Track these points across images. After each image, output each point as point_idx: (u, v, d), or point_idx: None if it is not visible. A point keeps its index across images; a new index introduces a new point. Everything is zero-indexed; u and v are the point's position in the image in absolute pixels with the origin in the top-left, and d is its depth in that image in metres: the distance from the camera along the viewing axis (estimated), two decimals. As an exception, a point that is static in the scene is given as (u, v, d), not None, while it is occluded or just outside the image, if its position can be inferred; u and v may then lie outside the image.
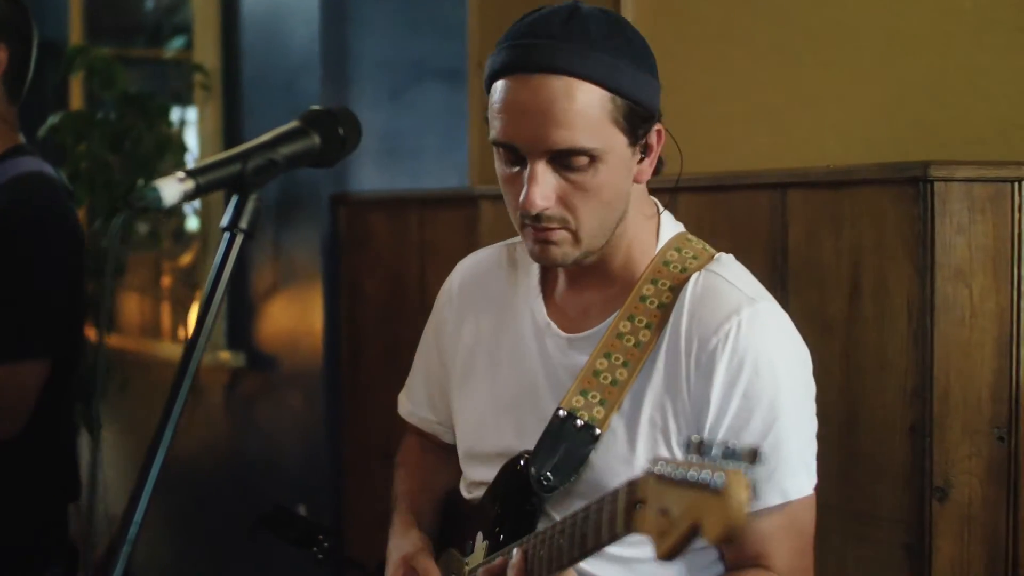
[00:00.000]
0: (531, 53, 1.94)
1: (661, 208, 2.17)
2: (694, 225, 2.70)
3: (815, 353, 2.13)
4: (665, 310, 2.05)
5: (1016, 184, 2.33)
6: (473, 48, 3.82)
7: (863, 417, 2.48)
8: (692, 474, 1.48)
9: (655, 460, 1.56)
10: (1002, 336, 2.34)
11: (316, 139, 1.74)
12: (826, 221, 2.53)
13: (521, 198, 1.97)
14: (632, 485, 1.63)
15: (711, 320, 2.01)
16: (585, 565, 1.97)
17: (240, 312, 4.69)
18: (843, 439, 2.50)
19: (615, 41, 1.99)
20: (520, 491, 2.09)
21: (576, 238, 2.02)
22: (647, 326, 2.05)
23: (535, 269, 2.23)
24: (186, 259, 5.45)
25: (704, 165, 2.91)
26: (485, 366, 2.24)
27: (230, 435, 4.87)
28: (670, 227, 2.16)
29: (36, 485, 3.23)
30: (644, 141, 2.03)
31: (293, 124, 1.74)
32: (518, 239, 2.25)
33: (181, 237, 5.66)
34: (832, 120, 2.81)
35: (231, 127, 4.74)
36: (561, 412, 2.05)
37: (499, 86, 1.99)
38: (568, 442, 2.04)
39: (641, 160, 2.04)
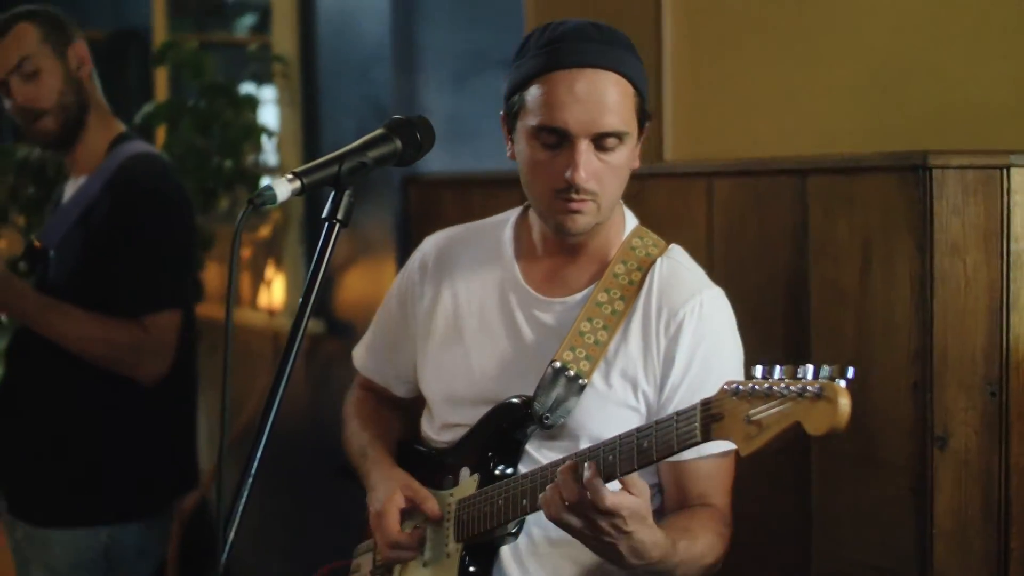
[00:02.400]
0: (578, 53, 2.29)
1: (621, 201, 2.49)
2: (726, 205, 2.98)
3: (831, 319, 2.42)
4: (636, 286, 2.41)
5: (1005, 170, 2.50)
6: None
7: (873, 375, 2.65)
8: (785, 388, 1.86)
9: (731, 382, 1.94)
10: (993, 304, 2.52)
11: (398, 143, 2.07)
12: (840, 203, 2.72)
13: (568, 173, 2.29)
14: (707, 405, 1.98)
15: (678, 297, 2.39)
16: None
17: (321, 283, 4.95)
18: (855, 395, 2.64)
19: (631, 45, 2.36)
20: (513, 428, 2.39)
21: (599, 209, 2.36)
22: (620, 298, 2.40)
23: (509, 241, 2.56)
24: (265, 231, 5.74)
25: (734, 151, 3.17)
26: (470, 325, 2.53)
27: (310, 395, 5.10)
28: (631, 219, 2.53)
29: (174, 423, 3.60)
30: (644, 132, 2.39)
31: (379, 131, 2.06)
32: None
33: (260, 211, 5.98)
34: (846, 110, 3.01)
35: (308, 111, 4.94)
36: (556, 364, 2.36)
37: (550, 79, 2.30)
38: (559, 389, 2.36)
39: (636, 147, 2.39)
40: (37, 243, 3.51)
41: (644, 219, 2.57)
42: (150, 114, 4.78)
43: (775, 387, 1.88)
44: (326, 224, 1.99)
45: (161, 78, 6.23)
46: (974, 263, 2.55)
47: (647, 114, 2.39)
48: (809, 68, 3.05)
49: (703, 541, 2.30)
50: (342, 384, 5.10)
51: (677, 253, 2.50)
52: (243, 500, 1.91)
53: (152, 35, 6.35)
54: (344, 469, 3.16)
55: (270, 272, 5.13)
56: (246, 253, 5.81)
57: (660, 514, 2.40)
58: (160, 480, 3.60)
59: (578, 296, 2.44)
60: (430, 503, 2.47)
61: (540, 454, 2.39)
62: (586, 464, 2.10)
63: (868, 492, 2.70)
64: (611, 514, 2.07)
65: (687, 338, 2.37)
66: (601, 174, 2.33)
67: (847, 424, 1.83)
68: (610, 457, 2.12)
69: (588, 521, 2.10)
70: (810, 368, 1.87)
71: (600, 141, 2.31)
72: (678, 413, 2.06)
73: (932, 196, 2.53)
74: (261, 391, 5.25)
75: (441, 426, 2.56)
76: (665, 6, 3.35)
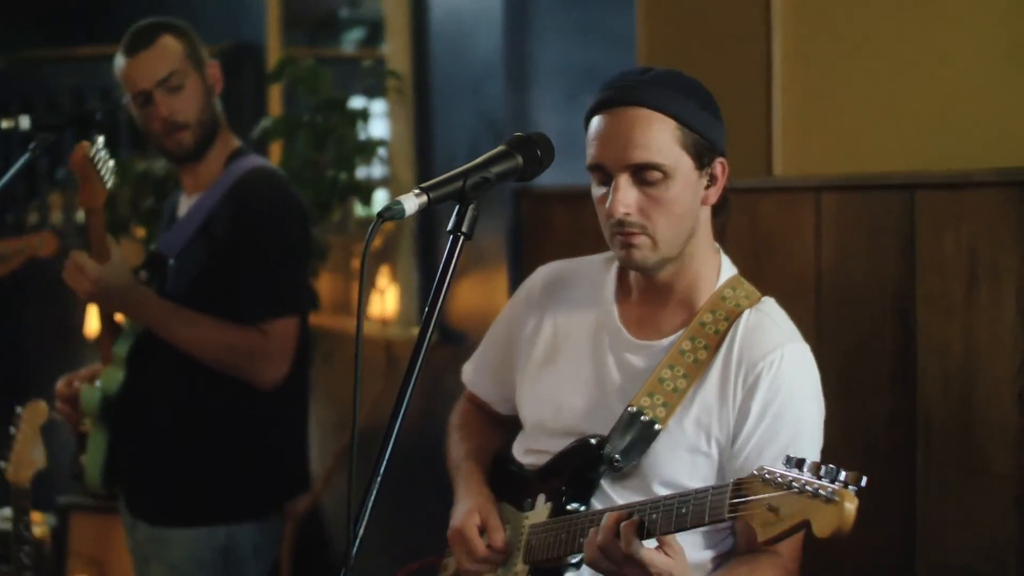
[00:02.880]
0: (616, 92, 2.42)
1: (721, 250, 2.58)
2: (834, 219, 3.03)
3: (938, 332, 2.45)
4: (720, 336, 2.46)
5: (1112, 186, 2.54)
6: (641, 55, 4.00)
7: (979, 386, 2.71)
8: (803, 485, 1.95)
9: (761, 468, 2.03)
10: (1098, 316, 2.55)
11: (519, 159, 2.16)
12: (948, 218, 2.77)
13: (608, 206, 2.41)
14: (739, 485, 2.07)
15: (759, 350, 2.43)
16: None
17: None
18: (961, 406, 2.74)
19: (685, 87, 2.44)
20: (587, 467, 2.49)
21: (654, 243, 2.44)
22: (704, 347, 2.46)
23: (612, 281, 2.64)
24: (376, 242, 5.86)
25: (843, 167, 3.20)
26: (565, 357, 2.64)
27: (422, 402, 5.22)
28: (728, 269, 2.57)
29: (289, 427, 3.70)
30: (709, 170, 2.45)
31: (501, 148, 2.15)
32: (597, 256, 2.73)
33: (367, 223, 6.08)
34: (954, 126, 3.02)
35: (421, 124, 5.03)
36: (632, 408, 2.45)
37: (593, 122, 2.46)
38: (634, 433, 2.44)
39: (708, 186, 2.46)
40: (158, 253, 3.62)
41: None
42: (267, 128, 4.90)
43: (794, 483, 1.97)
44: (451, 237, 2.06)
45: (275, 92, 6.36)
46: (1081, 277, 2.58)
47: (710, 149, 2.44)
48: (917, 84, 3.08)
49: None
50: (453, 391, 5.18)
51: (768, 306, 2.54)
52: (371, 499, 2.00)
53: (266, 50, 6.46)
54: None
55: (383, 282, 5.23)
56: (355, 263, 5.91)
57: (729, 555, 2.49)
58: (275, 482, 3.68)
59: (665, 342, 2.52)
60: (497, 533, 2.59)
61: (614, 491, 2.49)
62: (624, 518, 2.24)
63: (972, 501, 2.74)
64: (641, 568, 2.20)
65: (762, 392, 2.41)
66: (646, 208, 2.41)
67: (851, 529, 1.90)
68: (654, 515, 2.23)
69: (619, 570, 2.24)
70: (832, 469, 1.95)
71: (640, 175, 2.40)
72: (714, 488, 2.15)
73: (1039, 211, 2.58)
74: (373, 399, 5.35)
75: (526, 450, 2.67)
76: (775, 24, 3.38)
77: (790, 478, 1.99)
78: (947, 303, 2.78)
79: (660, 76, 2.44)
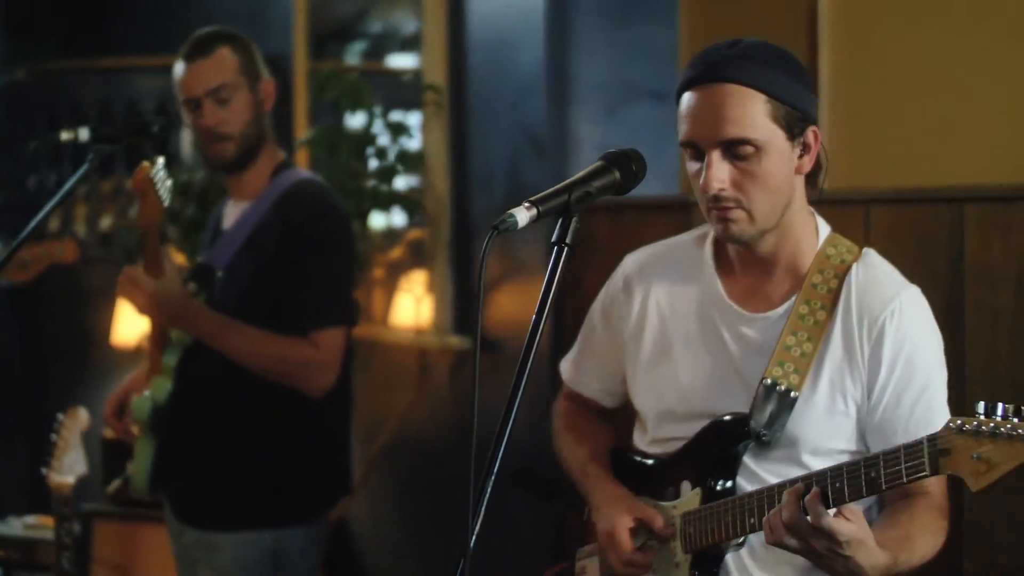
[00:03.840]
0: (705, 69, 2.45)
1: (815, 212, 2.59)
2: (884, 231, 3.14)
3: (987, 339, 2.57)
4: (834, 294, 2.48)
5: None
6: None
7: None
8: (1006, 429, 2.02)
9: (954, 419, 2.10)
10: None
11: (617, 175, 2.24)
12: (995, 229, 2.90)
13: (702, 182, 2.44)
14: (933, 440, 2.14)
15: (877, 301, 2.46)
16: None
17: (468, 301, 5.08)
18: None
19: (772, 58, 2.44)
20: (730, 445, 2.51)
21: (751, 217, 2.45)
22: (822, 307, 2.48)
23: (709, 257, 2.64)
24: (395, 253, 5.97)
25: (891, 180, 3.30)
26: (678, 340, 2.64)
27: (456, 409, 5.24)
28: (824, 227, 2.58)
29: (333, 434, 3.78)
30: (802, 139, 2.45)
31: (599, 163, 2.23)
32: (684, 236, 2.76)
33: (390, 234, 6.20)
34: (1001, 141, 3.15)
35: (457, 139, 5.12)
36: (767, 381, 2.47)
37: (684, 98, 2.48)
38: (773, 404, 2.46)
39: (801, 156, 2.46)
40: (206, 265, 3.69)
41: None
42: (310, 140, 5.02)
43: (1001, 428, 2.03)
44: (555, 248, 2.15)
45: (300, 104, 6.45)
46: (1124, 286, 2.72)
47: (802, 118, 2.45)
48: (964, 99, 3.19)
49: (922, 545, 2.40)
50: (488, 400, 5.25)
51: (872, 258, 2.56)
52: (485, 500, 2.09)
53: (292, 61, 6.53)
54: (517, 477, 3.33)
55: (419, 291, 5.34)
56: (378, 274, 6.02)
57: (879, 506, 2.52)
58: (320, 487, 3.77)
59: (780, 310, 2.53)
60: (659, 522, 2.59)
61: (759, 467, 2.52)
62: (812, 490, 2.27)
63: (1019, 499, 2.85)
64: (829, 538, 2.23)
65: (889, 342, 2.44)
66: (741, 182, 2.43)
67: None
68: (837, 484, 2.26)
69: (807, 544, 2.26)
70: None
71: (733, 150, 2.43)
72: (905, 447, 2.19)
73: (1085, 223, 2.71)
74: (405, 407, 5.45)
75: (653, 440, 2.68)
76: (822, 40, 3.48)
77: (991, 425, 2.05)
78: (995, 312, 2.91)
79: (748, 48, 2.45)
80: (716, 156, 2.43)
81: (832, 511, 2.25)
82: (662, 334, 2.68)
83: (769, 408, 2.48)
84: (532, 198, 2.14)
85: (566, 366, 2.95)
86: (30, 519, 5.60)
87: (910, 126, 3.32)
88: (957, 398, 2.92)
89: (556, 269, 2.16)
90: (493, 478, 2.10)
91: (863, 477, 2.24)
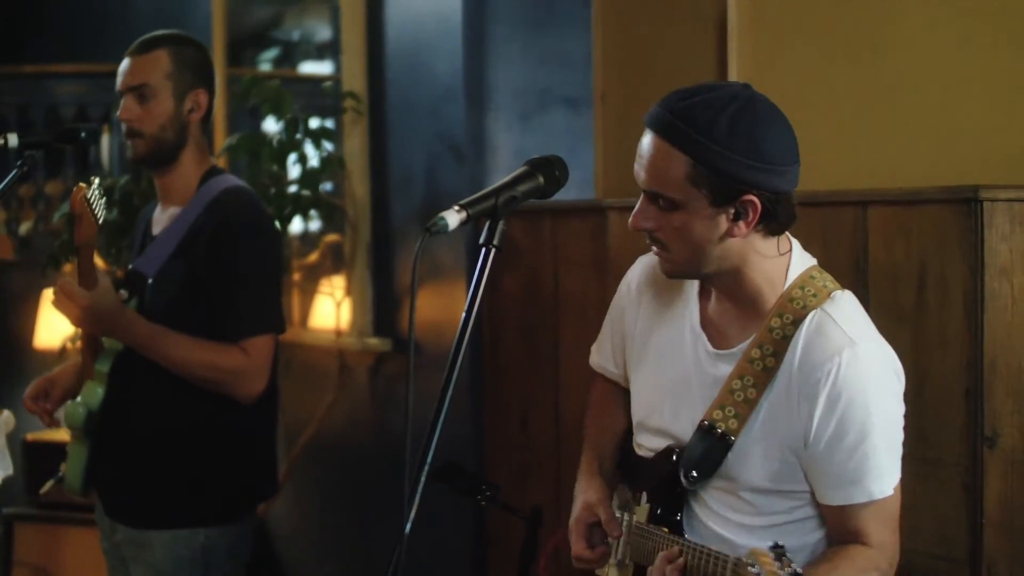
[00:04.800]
0: (652, 115, 2.46)
1: (794, 246, 2.56)
2: (791, 232, 3.26)
3: (890, 335, 2.60)
4: (787, 342, 2.45)
5: (1049, 202, 2.77)
6: (597, 78, 4.23)
7: (929, 383, 2.94)
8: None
9: (752, 553, 2.19)
10: (1038, 319, 2.78)
11: (541, 179, 2.35)
12: (899, 231, 3.00)
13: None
14: (737, 563, 2.28)
15: (817, 358, 2.42)
16: (725, 532, 2.55)
17: (387, 304, 5.14)
18: (914, 401, 2.82)
19: (719, 120, 2.38)
20: (672, 480, 2.59)
21: (672, 261, 2.52)
22: (773, 354, 2.47)
23: (696, 284, 2.66)
24: (312, 258, 6.03)
25: (800, 185, 3.46)
26: (654, 354, 2.71)
27: (375, 410, 5.30)
28: (799, 264, 2.55)
29: (262, 435, 3.85)
30: (733, 207, 2.41)
31: (524, 168, 2.34)
32: None
33: (306, 238, 6.27)
34: (904, 148, 3.26)
35: (376, 145, 5.20)
36: (705, 423, 2.52)
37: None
38: (708, 445, 2.51)
39: (736, 220, 2.42)
40: (119, 272, 3.73)
41: None
42: (232, 146, 5.08)
43: (767, 571, 2.15)
44: (483, 249, 2.26)
45: (219, 110, 6.47)
46: (1020, 284, 2.86)
47: (732, 192, 2.40)
48: (870, 109, 3.31)
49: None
50: (404, 398, 5.29)
51: (836, 305, 2.50)
52: (420, 488, 2.19)
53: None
54: (439, 472, 3.36)
55: (339, 294, 5.40)
56: (296, 277, 6.08)
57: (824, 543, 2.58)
58: (249, 487, 3.84)
59: (735, 350, 2.54)
60: (613, 527, 2.73)
61: (707, 494, 2.59)
62: (673, 560, 2.45)
63: (924, 487, 2.97)
64: None
65: (822, 401, 2.42)
66: (662, 227, 2.47)
67: None
68: (696, 561, 2.42)
69: None
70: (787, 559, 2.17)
71: (654, 199, 2.46)
72: (729, 559, 2.34)
73: (982, 225, 2.84)
74: (325, 407, 5.52)
75: (636, 441, 2.78)
76: (731, 51, 3.58)
77: (765, 569, 2.15)
78: (898, 309, 3.02)
79: (698, 106, 2.41)
80: (643, 198, 2.49)
81: None
82: (645, 345, 2.74)
83: (702, 448, 2.53)
84: (461, 202, 2.24)
85: (593, 349, 2.97)
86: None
87: (816, 133, 3.38)
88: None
89: (484, 269, 2.26)
90: (428, 467, 2.20)
91: (705, 565, 2.40)
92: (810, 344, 2.45)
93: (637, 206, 2.49)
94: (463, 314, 2.29)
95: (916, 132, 3.24)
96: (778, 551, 2.18)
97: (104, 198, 3.45)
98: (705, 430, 2.53)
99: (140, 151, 3.73)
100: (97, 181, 3.44)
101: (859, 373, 2.43)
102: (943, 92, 3.22)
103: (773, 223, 2.48)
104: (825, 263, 3.07)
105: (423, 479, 2.19)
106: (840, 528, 2.50)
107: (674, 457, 2.59)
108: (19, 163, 3.48)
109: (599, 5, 4.25)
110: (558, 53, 4.71)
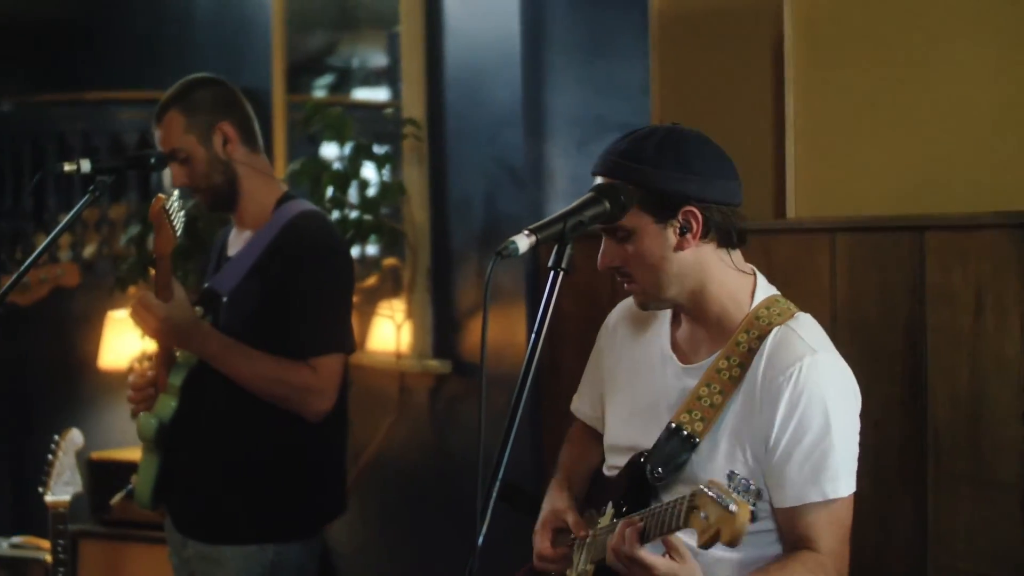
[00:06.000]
0: (596, 163, 2.71)
1: (758, 275, 2.76)
2: (848, 258, 3.30)
3: (947, 360, 2.73)
4: (752, 354, 2.65)
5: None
6: (654, 107, 4.28)
7: (985, 406, 2.99)
8: (723, 498, 2.25)
9: (709, 483, 2.32)
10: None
11: (607, 204, 2.46)
12: (956, 256, 3.06)
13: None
14: (692, 496, 2.36)
15: (780, 364, 2.60)
16: (685, 537, 2.57)
17: (447, 327, 5.21)
18: (970, 425, 3.02)
19: (648, 151, 2.63)
20: (640, 479, 2.73)
21: (642, 290, 2.73)
22: (739, 365, 2.65)
23: (667, 313, 2.85)
24: (370, 281, 6.09)
25: (855, 209, 3.46)
26: (626, 382, 2.90)
27: (436, 432, 5.36)
28: (764, 289, 2.75)
29: (332, 454, 3.94)
30: (677, 221, 2.63)
31: (590, 194, 2.45)
32: None
33: (364, 262, 6.33)
34: (960, 171, 3.31)
35: (436, 171, 5.27)
36: (672, 424, 2.68)
37: None
38: (675, 446, 2.67)
39: (683, 233, 2.64)
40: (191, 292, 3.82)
41: (770, 272, 2.84)
42: (295, 172, 5.17)
43: (724, 495, 2.26)
44: (551, 273, 2.36)
45: (279, 137, 6.56)
46: (1077, 308, 2.89)
47: (671, 203, 2.62)
48: (925, 132, 3.36)
49: None
50: (466, 421, 5.33)
51: (799, 322, 2.69)
52: (492, 504, 2.29)
53: (271, 95, 6.64)
54: (502, 492, 3.48)
55: (399, 317, 5.47)
56: (355, 299, 6.14)
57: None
58: (320, 504, 3.92)
59: (704, 363, 2.72)
60: (579, 527, 2.87)
61: (666, 495, 2.71)
62: (632, 524, 2.53)
63: (982, 510, 3.02)
64: (645, 569, 2.49)
65: (784, 402, 2.58)
66: (626, 259, 2.69)
67: (740, 538, 2.23)
68: (651, 521, 2.52)
69: (628, 571, 2.53)
70: (743, 481, 2.37)
71: (612, 234, 2.69)
72: (680, 499, 2.42)
73: (1040, 249, 2.89)
74: (386, 428, 5.57)
75: (608, 466, 2.93)
76: (788, 76, 3.63)
77: (720, 493, 2.27)
78: (955, 333, 3.07)
79: (628, 141, 2.68)
80: (605, 238, 2.70)
81: (652, 545, 2.51)
82: (624, 376, 2.91)
83: (668, 449, 2.68)
84: (531, 226, 2.35)
85: (574, 397, 3.17)
86: (17, 539, 5.71)
87: (873, 157, 3.48)
88: (919, 417, 3.12)
89: (553, 292, 2.38)
90: (499, 483, 2.31)
91: (660, 518, 2.49)
92: (774, 354, 2.63)
93: (601, 249, 2.71)
94: (531, 336, 2.38)
95: (972, 157, 3.29)
96: (730, 474, 2.42)
97: (183, 211, 3.55)
98: (672, 431, 2.68)
99: (206, 203, 3.92)
100: (176, 193, 3.55)
101: (820, 377, 2.60)
102: (1000, 117, 3.26)
103: (722, 235, 2.68)
104: (882, 287, 3.15)
105: (495, 492, 2.25)
106: (793, 534, 2.62)
107: (642, 458, 2.73)
108: (91, 188, 3.58)
109: (656, 32, 4.30)
110: (614, 80, 4.77)
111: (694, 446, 2.66)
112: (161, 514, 4.02)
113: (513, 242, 2.29)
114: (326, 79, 7.51)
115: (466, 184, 5.11)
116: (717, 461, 2.65)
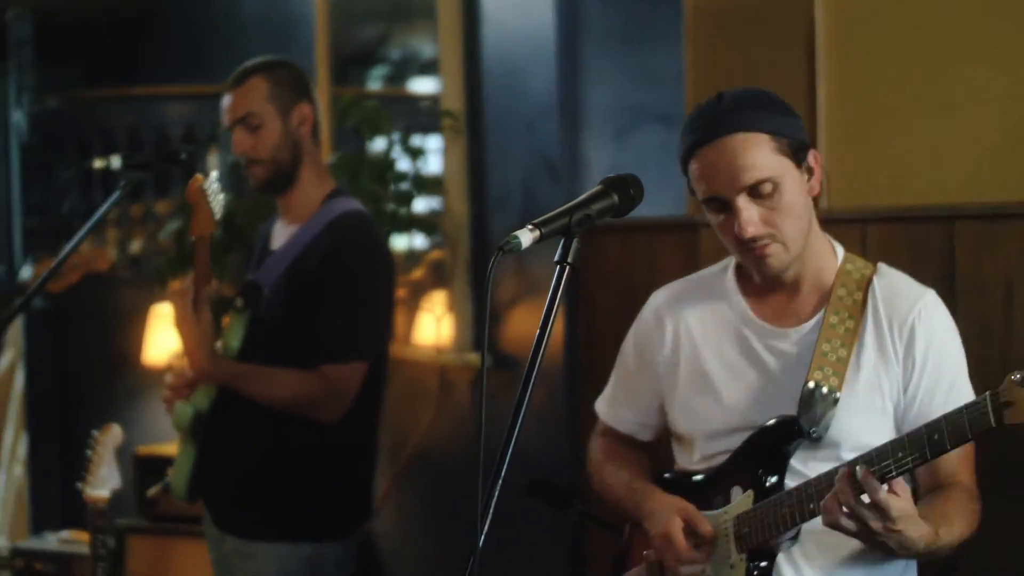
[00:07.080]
0: (706, 129, 2.64)
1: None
2: (880, 248, 3.26)
3: (978, 349, 2.69)
4: (860, 304, 2.69)
5: None
6: (689, 95, 4.24)
7: None
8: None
9: (1015, 373, 2.28)
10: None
11: (615, 198, 2.38)
12: (986, 246, 3.04)
13: (736, 229, 2.63)
14: (996, 394, 2.31)
15: (903, 305, 2.68)
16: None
17: (489, 320, 5.22)
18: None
19: (761, 100, 2.65)
20: (779, 444, 2.69)
21: (785, 247, 2.67)
22: (849, 316, 2.68)
23: (732, 283, 2.84)
24: (417, 274, 6.08)
25: (887, 200, 3.43)
26: (714, 362, 2.82)
27: (475, 424, 5.37)
28: (839, 247, 2.80)
29: (366, 456, 3.92)
30: (807, 164, 2.67)
31: (598, 188, 2.37)
32: (705, 271, 2.94)
33: (411, 255, 6.33)
34: (990, 162, 3.28)
35: (474, 162, 5.25)
36: (810, 384, 2.66)
37: (693, 162, 2.68)
38: (818, 405, 2.66)
39: (809, 179, 2.68)
40: (226, 288, 3.79)
41: None
42: (333, 165, 5.16)
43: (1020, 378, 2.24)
44: (558, 267, 2.30)
45: (324, 129, 6.56)
46: (1108, 297, 2.84)
47: (802, 146, 2.66)
48: (956, 124, 3.32)
49: (960, 523, 2.57)
50: (505, 414, 5.33)
51: (888, 270, 2.78)
52: (493, 503, 2.31)
53: (315, 88, 6.62)
54: (532, 487, 3.40)
55: (439, 310, 5.45)
56: (401, 293, 6.14)
57: (915, 494, 2.63)
58: (357, 504, 3.91)
59: (810, 323, 2.74)
60: (704, 523, 2.76)
61: (805, 466, 2.70)
62: (858, 467, 2.42)
63: (1010, 496, 3.00)
64: (883, 514, 2.40)
65: (920, 340, 2.66)
66: (770, 218, 2.63)
67: None
68: (899, 453, 2.44)
69: (862, 523, 2.43)
70: None
71: (756, 192, 2.62)
72: (967, 406, 2.37)
73: (1070, 238, 2.84)
74: (427, 423, 5.56)
75: (701, 458, 2.85)
76: (820, 66, 3.60)
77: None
78: (986, 323, 3.05)
79: (737, 99, 2.65)
80: (743, 202, 2.63)
81: (884, 487, 2.41)
82: (696, 359, 2.85)
83: (814, 409, 2.66)
84: (535, 220, 2.29)
85: (601, 404, 3.10)
86: (65, 534, 5.74)
87: (903, 148, 3.45)
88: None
89: (559, 287, 2.31)
90: (501, 480, 2.28)
91: (926, 441, 2.41)
92: (890, 297, 2.71)
93: (738, 216, 2.62)
94: (537, 331, 2.32)
95: (1003, 146, 3.25)
96: None
97: (222, 194, 3.53)
98: (811, 391, 2.67)
99: (260, 177, 3.83)
100: (215, 174, 3.53)
101: (940, 315, 2.71)
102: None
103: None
104: (913, 276, 3.09)
105: (496, 493, 2.23)
106: (937, 475, 2.64)
107: (780, 422, 2.70)
108: (121, 184, 3.57)
109: (690, 22, 4.26)
110: (650, 70, 4.76)
111: (835, 401, 2.66)
112: (199, 507, 4.01)
113: (516, 237, 2.23)
114: (380, 71, 7.50)
115: (504, 176, 5.09)
116: (857, 414, 2.67)
